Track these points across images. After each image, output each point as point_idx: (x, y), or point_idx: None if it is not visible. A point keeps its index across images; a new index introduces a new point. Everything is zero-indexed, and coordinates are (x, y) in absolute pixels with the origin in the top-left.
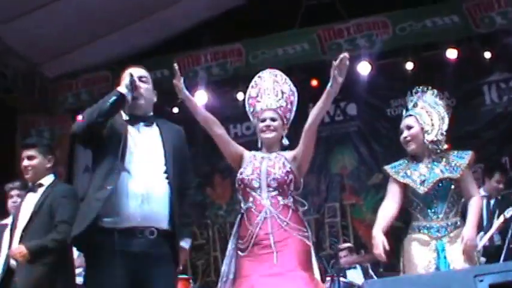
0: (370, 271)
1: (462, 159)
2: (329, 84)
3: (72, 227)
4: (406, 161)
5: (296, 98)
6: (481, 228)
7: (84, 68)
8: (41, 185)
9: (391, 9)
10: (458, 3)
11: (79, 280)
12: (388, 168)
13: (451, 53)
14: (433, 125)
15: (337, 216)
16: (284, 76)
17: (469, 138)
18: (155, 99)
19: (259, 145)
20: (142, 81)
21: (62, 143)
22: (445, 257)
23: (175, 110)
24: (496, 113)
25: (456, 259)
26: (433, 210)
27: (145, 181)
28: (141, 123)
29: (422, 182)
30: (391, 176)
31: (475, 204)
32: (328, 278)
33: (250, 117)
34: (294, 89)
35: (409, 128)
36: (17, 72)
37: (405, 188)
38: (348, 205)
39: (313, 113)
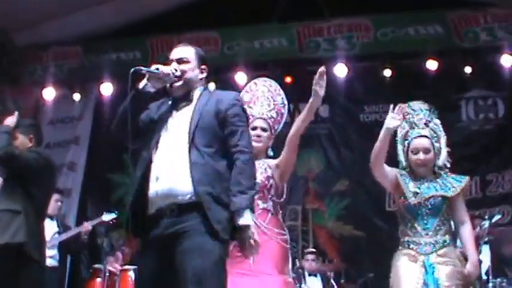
0: (332, 281)
1: (459, 182)
2: (311, 98)
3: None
4: (405, 172)
5: (286, 110)
6: None
7: (55, 41)
8: None
9: (374, 11)
10: (443, 13)
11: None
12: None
13: (431, 64)
14: (440, 148)
15: (298, 219)
16: (278, 87)
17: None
18: (200, 75)
19: None
20: (182, 62)
21: (25, 115)
22: (433, 273)
23: None
24: (471, 130)
25: (444, 279)
26: (423, 226)
27: (162, 161)
28: (182, 103)
29: (415, 194)
30: (396, 173)
31: (471, 236)
32: None
33: None
34: (286, 101)
35: (426, 151)
36: None
37: (396, 190)
38: (310, 209)
39: (297, 123)
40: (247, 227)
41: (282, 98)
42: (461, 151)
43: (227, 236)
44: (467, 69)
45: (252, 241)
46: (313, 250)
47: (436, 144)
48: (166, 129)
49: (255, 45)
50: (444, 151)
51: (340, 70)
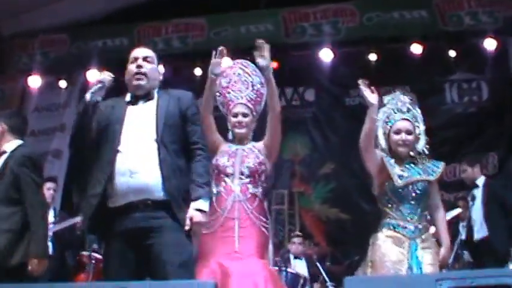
0: (317, 264)
1: (437, 167)
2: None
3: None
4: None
5: (266, 90)
6: None
7: (42, 29)
8: (4, 152)
9: None
10: None
11: None
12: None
13: (416, 48)
14: (420, 134)
15: (284, 203)
16: (254, 67)
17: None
18: (161, 77)
19: (230, 137)
20: (147, 61)
21: (11, 103)
22: (417, 257)
23: None
24: (455, 113)
25: (427, 264)
26: (410, 210)
27: (134, 155)
28: (141, 101)
29: (401, 177)
30: (381, 155)
31: (444, 221)
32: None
33: (220, 107)
34: (264, 80)
35: (408, 132)
36: None
37: (381, 173)
38: (296, 193)
39: (267, 102)
40: (202, 211)
41: (259, 78)
42: (446, 133)
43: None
44: (452, 53)
45: (197, 226)
46: (300, 233)
47: (417, 129)
48: (129, 125)
49: (241, 30)
50: (423, 137)
51: (326, 55)
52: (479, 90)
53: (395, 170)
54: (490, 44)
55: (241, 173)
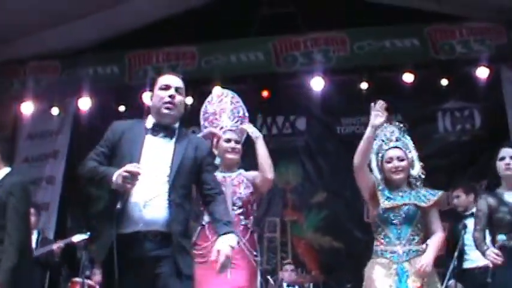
0: None
1: (433, 195)
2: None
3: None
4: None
5: (247, 120)
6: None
7: (33, 56)
8: None
9: (351, 25)
10: (420, 27)
11: None
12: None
13: (408, 77)
14: (413, 160)
15: (276, 231)
16: (239, 98)
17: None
18: (183, 111)
19: (217, 162)
20: (178, 93)
21: (3, 130)
22: (406, 281)
23: (122, 107)
24: (448, 142)
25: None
26: (396, 235)
27: (148, 187)
28: (162, 134)
29: (389, 199)
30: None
31: (437, 238)
32: None
33: (204, 130)
34: (246, 112)
35: (400, 159)
36: None
37: (373, 199)
38: (288, 221)
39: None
40: (231, 247)
41: (243, 109)
42: (439, 162)
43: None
44: (444, 82)
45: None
46: (291, 261)
47: (409, 155)
48: (146, 156)
49: (231, 59)
50: (418, 163)
51: (317, 83)
52: (472, 119)
53: (385, 193)
54: (482, 72)
55: (234, 204)
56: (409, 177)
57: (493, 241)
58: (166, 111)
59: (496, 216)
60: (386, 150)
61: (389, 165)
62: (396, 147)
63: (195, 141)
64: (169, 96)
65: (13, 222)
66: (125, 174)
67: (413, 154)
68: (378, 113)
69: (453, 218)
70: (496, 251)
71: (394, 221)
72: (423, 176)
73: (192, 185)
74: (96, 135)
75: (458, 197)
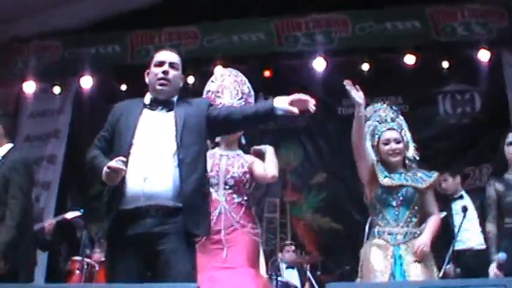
0: (308, 273)
1: (429, 177)
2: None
3: (23, 201)
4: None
5: (253, 100)
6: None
7: (36, 35)
8: None
9: (353, 7)
10: (422, 8)
11: None
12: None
13: (409, 58)
14: (408, 141)
15: (276, 212)
16: (244, 77)
17: (418, 147)
18: (181, 84)
19: (218, 139)
20: (173, 67)
21: (6, 108)
22: (401, 264)
23: (124, 87)
24: (449, 124)
25: (412, 268)
26: (394, 217)
27: (148, 161)
28: (160, 107)
29: (386, 176)
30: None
31: (433, 220)
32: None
33: None
34: (252, 91)
35: (397, 141)
36: None
37: (371, 180)
38: (288, 202)
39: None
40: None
41: (248, 87)
42: (439, 145)
43: (202, 233)
44: (445, 64)
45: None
46: (292, 242)
47: (405, 137)
48: (145, 130)
49: (234, 39)
50: (412, 145)
51: (319, 64)
52: (472, 102)
53: (385, 173)
54: (483, 55)
55: (226, 183)
56: (405, 159)
57: (500, 225)
58: (159, 87)
59: (504, 200)
60: (382, 132)
61: (387, 147)
62: (392, 128)
63: (194, 102)
64: (163, 73)
65: (16, 198)
66: (107, 170)
67: (408, 135)
68: (352, 89)
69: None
70: (496, 270)
71: (392, 203)
72: (418, 158)
73: (205, 144)
74: (98, 114)
75: (446, 181)
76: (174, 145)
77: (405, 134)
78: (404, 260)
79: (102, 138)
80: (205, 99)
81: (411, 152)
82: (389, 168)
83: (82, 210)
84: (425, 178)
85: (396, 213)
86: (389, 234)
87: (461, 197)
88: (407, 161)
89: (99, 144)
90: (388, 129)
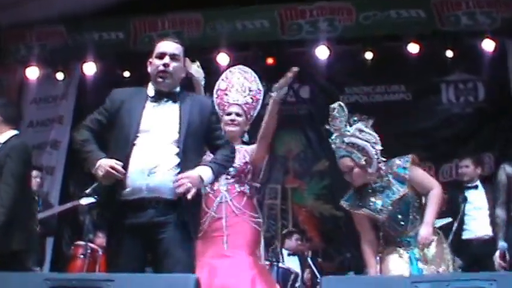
0: (309, 260)
1: (404, 170)
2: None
3: (14, 186)
4: (353, 191)
5: (262, 96)
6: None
7: (39, 20)
8: None
9: None
10: None
11: None
12: (343, 203)
13: (413, 47)
14: (370, 157)
15: (277, 198)
16: (254, 74)
17: (421, 136)
18: (183, 75)
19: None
20: (174, 59)
21: (9, 94)
22: (417, 264)
23: (127, 73)
24: (452, 113)
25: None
26: (400, 225)
27: (153, 154)
28: (164, 99)
29: (380, 211)
30: (350, 210)
31: (431, 199)
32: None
33: (216, 107)
34: (261, 87)
35: (350, 169)
36: None
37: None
38: (289, 189)
39: (263, 125)
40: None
41: (257, 84)
42: (442, 134)
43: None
44: (449, 53)
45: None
46: (295, 230)
47: (360, 156)
48: (150, 123)
49: (237, 26)
50: (373, 156)
51: (322, 52)
52: (475, 91)
53: (371, 206)
54: (487, 45)
55: (227, 174)
56: (370, 175)
57: (509, 211)
58: (160, 79)
59: None
60: (338, 160)
61: (347, 176)
62: (343, 156)
63: (198, 102)
64: (164, 65)
65: (7, 184)
66: (109, 170)
67: (367, 149)
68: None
69: (455, 190)
70: (500, 261)
71: (393, 216)
72: (384, 159)
73: (203, 148)
74: (101, 100)
75: (468, 167)
76: (178, 139)
77: (360, 154)
78: (420, 260)
79: (96, 121)
80: (208, 102)
81: (373, 168)
82: (359, 191)
83: (96, 197)
84: (398, 187)
85: (401, 221)
86: (402, 240)
87: (475, 187)
88: (374, 177)
89: (92, 126)
90: (340, 157)
